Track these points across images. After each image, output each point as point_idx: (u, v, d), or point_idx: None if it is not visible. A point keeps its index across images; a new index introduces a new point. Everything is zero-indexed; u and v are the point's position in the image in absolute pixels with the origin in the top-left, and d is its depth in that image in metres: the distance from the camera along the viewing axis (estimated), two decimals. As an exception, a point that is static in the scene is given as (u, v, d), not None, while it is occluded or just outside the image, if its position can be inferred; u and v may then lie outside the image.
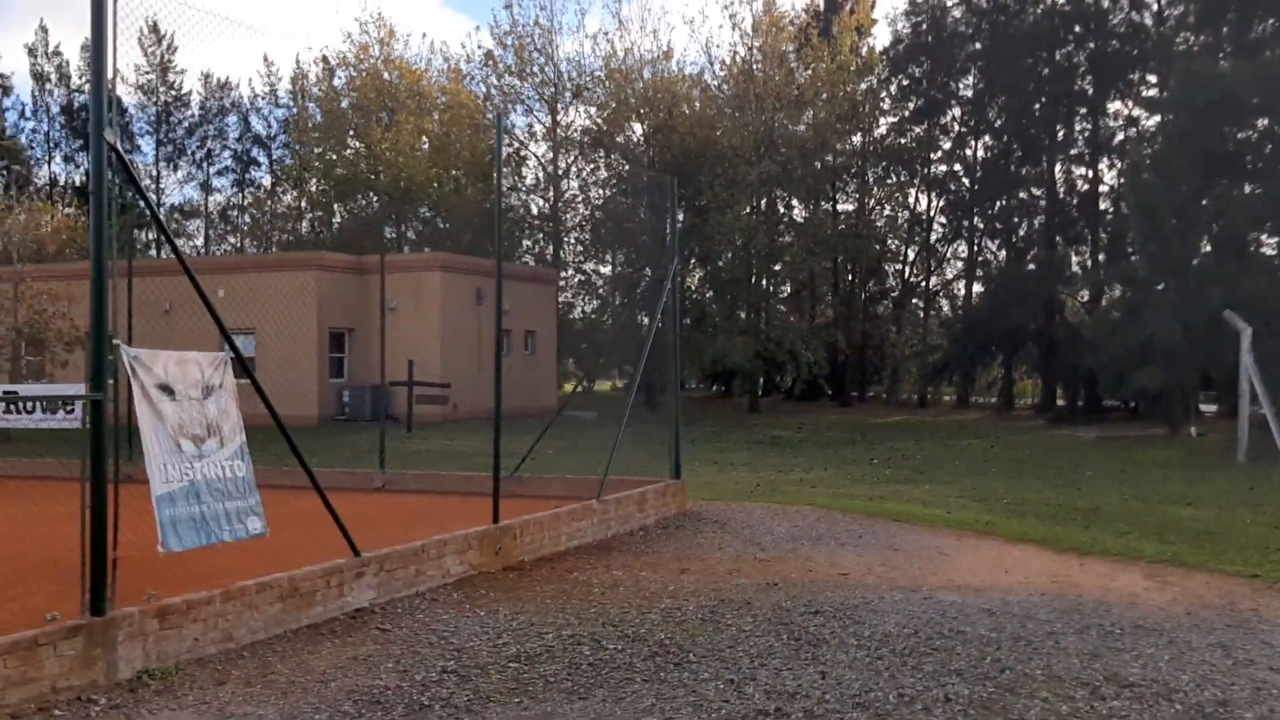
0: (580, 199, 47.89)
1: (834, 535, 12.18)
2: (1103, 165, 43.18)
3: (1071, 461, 22.47)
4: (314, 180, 54.07)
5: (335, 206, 54.48)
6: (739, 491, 16.64)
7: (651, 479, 13.75)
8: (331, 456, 23.04)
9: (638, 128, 48.04)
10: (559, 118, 45.42)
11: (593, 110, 45.79)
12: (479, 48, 60.38)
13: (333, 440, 26.76)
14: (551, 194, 46.32)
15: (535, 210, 47.71)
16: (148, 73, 70.98)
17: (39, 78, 69.82)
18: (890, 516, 13.68)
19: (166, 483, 6.89)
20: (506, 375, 32.03)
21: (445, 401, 29.79)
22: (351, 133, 48.12)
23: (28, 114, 70.88)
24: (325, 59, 50.75)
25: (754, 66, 47.08)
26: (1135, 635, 7.75)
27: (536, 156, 47.23)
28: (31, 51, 69.06)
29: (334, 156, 49.96)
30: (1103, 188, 43.34)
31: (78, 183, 71.78)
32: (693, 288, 58.37)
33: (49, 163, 72.10)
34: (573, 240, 48.30)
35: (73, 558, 6.48)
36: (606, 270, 49.24)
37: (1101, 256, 41.31)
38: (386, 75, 49.56)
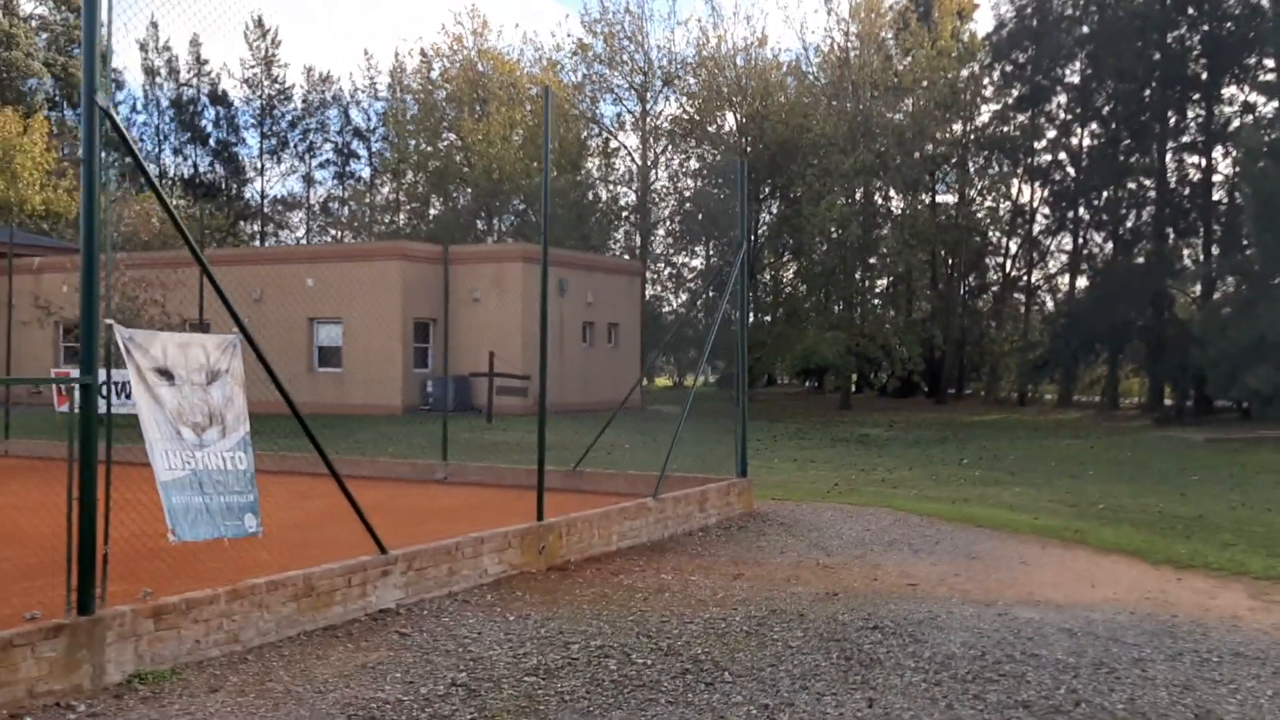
0: (670, 190, 47.28)
1: (908, 541, 11.38)
2: (1216, 153, 41.08)
3: (1176, 465, 21.18)
4: (410, 172, 54.36)
5: (432, 198, 54.71)
6: (814, 491, 15.87)
7: (717, 477, 13.08)
8: (409, 446, 22.82)
9: (730, 117, 47.28)
10: (649, 107, 44.82)
11: (684, 99, 45.15)
12: (569, 36, 60.10)
13: (412, 430, 26.61)
14: (639, 185, 45.74)
15: (624, 202, 47.22)
16: (252, 66, 72.33)
17: (149, 72, 71.47)
18: (972, 521, 12.81)
19: (170, 469, 6.45)
20: (587, 368, 31.66)
21: (525, 393, 29.45)
22: (445, 124, 48.16)
23: (138, 108, 72.67)
24: (422, 51, 50.95)
25: (850, 53, 45.96)
26: (1234, 664, 6.87)
27: (626, 147, 46.75)
28: (143, 46, 70.68)
29: (429, 148, 50.09)
30: (1216, 177, 41.24)
31: (186, 175, 73.58)
32: (785, 281, 57.55)
33: (159, 155, 73.87)
34: (662, 233, 47.73)
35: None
36: (698, 263, 48.59)
37: (1214, 249, 39.29)
38: (480, 67, 49.52)
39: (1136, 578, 9.66)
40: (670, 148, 46.40)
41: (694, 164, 47.51)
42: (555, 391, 32.08)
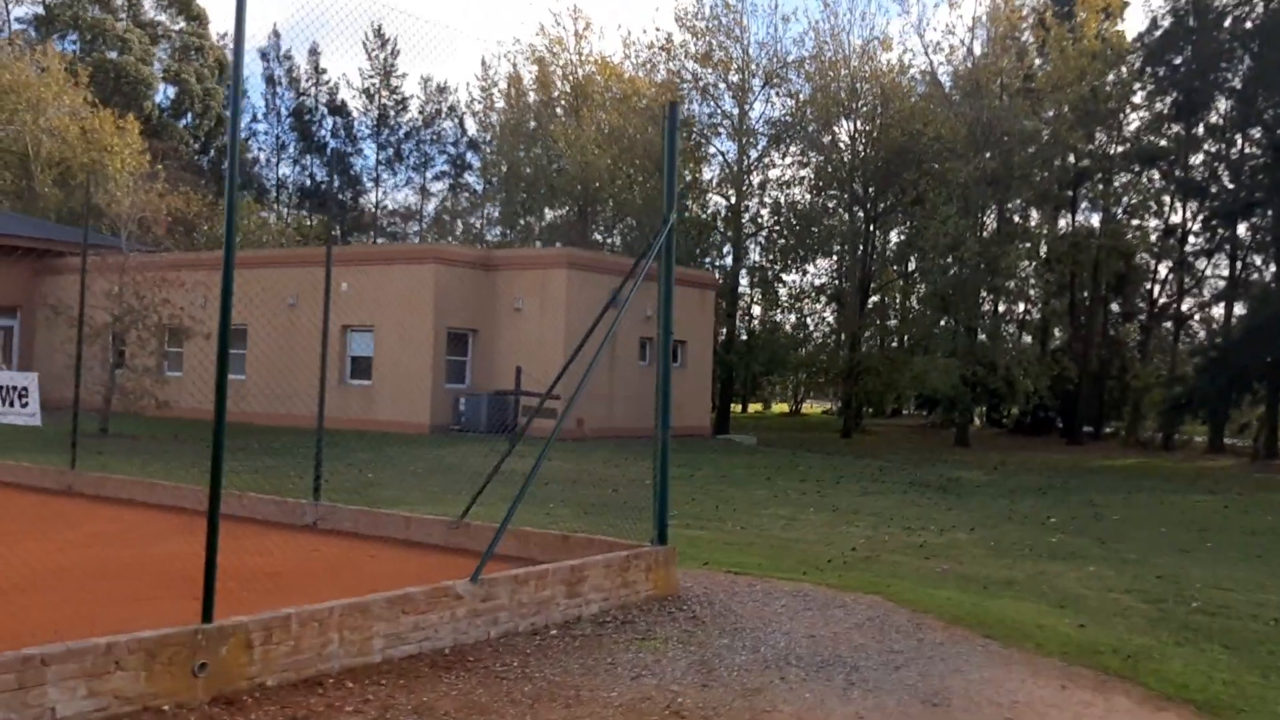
0: (768, 199, 43.49)
1: (857, 660, 7.59)
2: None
3: (1330, 538, 16.53)
4: (512, 181, 51.77)
5: (544, 209, 52.06)
6: (806, 560, 12.09)
7: (630, 543, 9.52)
8: (400, 473, 19.82)
9: (844, 124, 43.32)
10: (746, 108, 41.10)
11: (789, 100, 41.38)
12: (658, 30, 56.77)
13: (425, 452, 23.58)
14: (734, 194, 42.05)
15: (714, 210, 43.56)
16: (370, 76, 71.48)
17: (270, 81, 71.26)
18: (984, 625, 8.89)
19: None
20: (645, 389, 28.12)
21: (553, 414, 26.22)
22: (534, 125, 45.44)
23: (258, 117, 72.54)
24: (523, 55, 48.29)
25: (975, 50, 41.54)
26: None
27: (722, 153, 43.08)
28: (264, 55, 70.53)
29: (523, 154, 47.47)
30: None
31: (305, 185, 73.15)
32: (913, 304, 52.91)
33: (277, 164, 73.64)
34: (761, 242, 43.93)
35: None
36: (794, 278, 44.65)
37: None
38: (582, 70, 46.63)
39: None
40: (770, 150, 42.53)
41: (801, 172, 43.62)
42: (604, 415, 28.72)
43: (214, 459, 6.14)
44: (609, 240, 48.35)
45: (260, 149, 72.05)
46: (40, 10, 58.28)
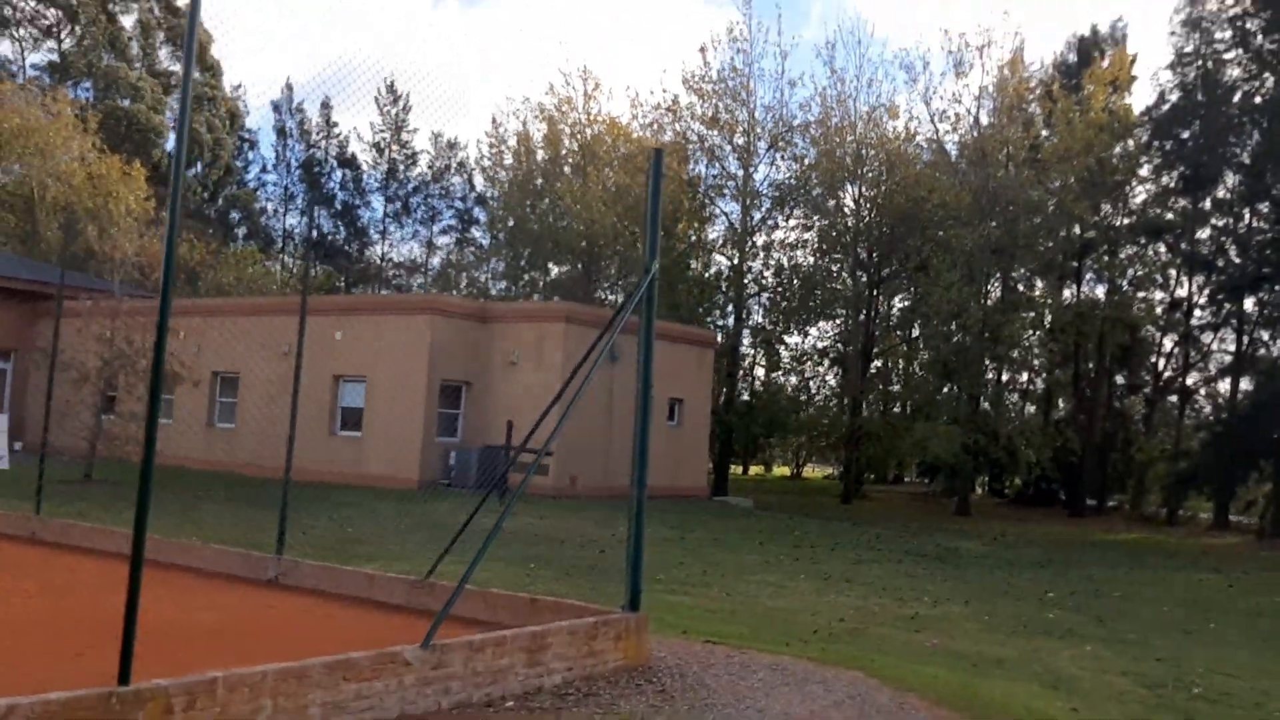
0: (772, 260, 43.28)
1: (831, 743, 7.11)
2: None
3: (1338, 622, 15.96)
4: (517, 236, 51.64)
5: (549, 265, 51.88)
6: (791, 630, 11.59)
7: (602, 609, 9.05)
8: (382, 529, 19.33)
9: (850, 188, 43.21)
10: (751, 170, 41.00)
11: (793, 163, 41.30)
12: (665, 91, 56.87)
13: (412, 507, 23.07)
14: (736, 252, 41.83)
15: (718, 269, 43.32)
16: (381, 130, 71.86)
17: (281, 133, 71.66)
18: (969, 709, 8.39)
19: None
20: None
21: (546, 473, 25.72)
22: (541, 182, 45.40)
23: (268, 168, 72.89)
24: (532, 113, 48.39)
25: (981, 119, 41.53)
26: None
27: (725, 214, 42.93)
28: (276, 107, 71.00)
29: (530, 210, 47.38)
30: None
31: (311, 236, 73.27)
32: (916, 370, 52.48)
33: (285, 215, 73.82)
34: (764, 303, 43.64)
35: None
36: (796, 340, 44.28)
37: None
38: (591, 130, 46.62)
39: None
40: (773, 211, 42.35)
41: (805, 235, 43.44)
42: (601, 473, 28.22)
43: (139, 507, 5.73)
44: (612, 298, 48.10)
45: (269, 199, 72.31)
46: (55, 58, 58.72)
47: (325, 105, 71.93)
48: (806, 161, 41.48)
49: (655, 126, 41.75)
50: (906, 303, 47.32)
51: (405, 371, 26.94)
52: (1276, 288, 37.79)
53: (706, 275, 41.17)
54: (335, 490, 25.36)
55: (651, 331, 9.26)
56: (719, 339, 34.23)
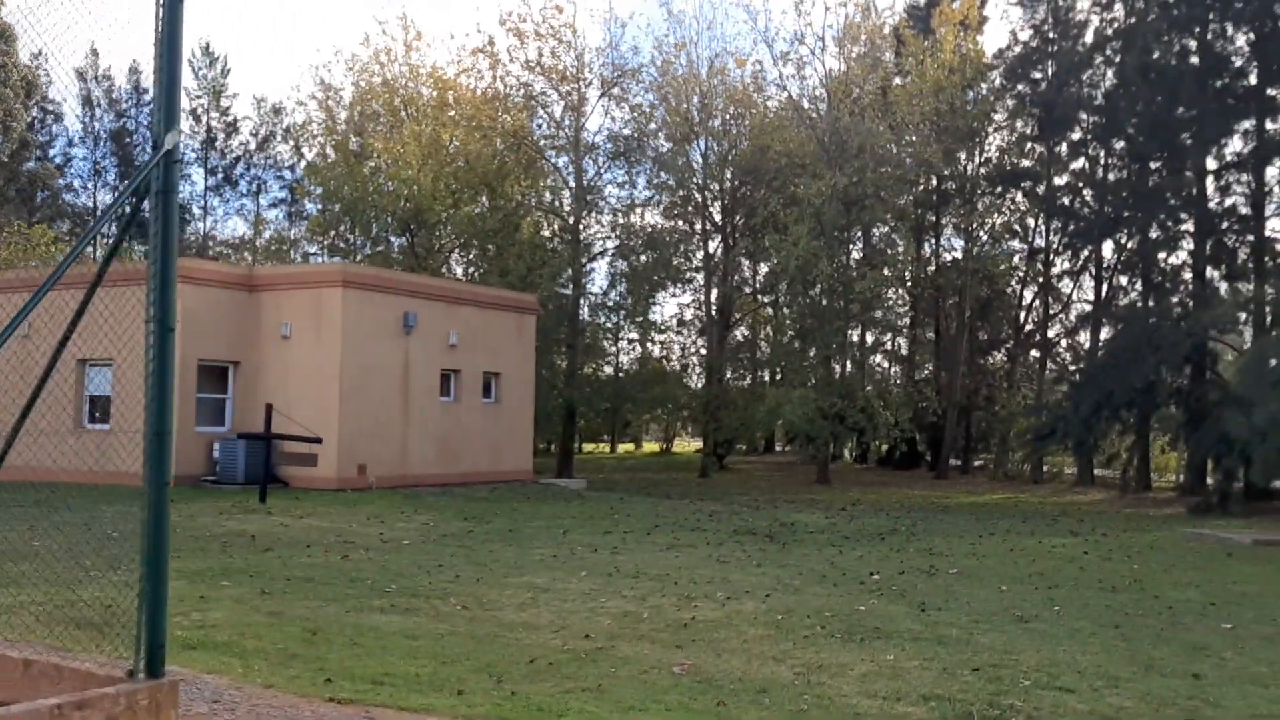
0: (617, 221, 40.26)
1: None
2: (1271, 174, 33.48)
3: (1202, 595, 13.59)
4: (336, 205, 47.58)
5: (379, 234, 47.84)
6: (509, 656, 8.56)
7: (112, 677, 5.86)
8: (96, 536, 15.78)
9: (699, 144, 40.39)
10: (582, 121, 37.74)
11: (629, 113, 38.27)
12: (481, 33, 53.29)
13: (131, 510, 19.44)
14: (572, 213, 38.61)
15: (550, 231, 40.07)
16: (198, 96, 66.68)
17: (88, 102, 66.02)
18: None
19: None
20: (448, 428, 24.38)
21: (314, 462, 22.35)
22: (357, 142, 41.53)
23: (75, 141, 67.13)
24: (345, 67, 44.42)
25: (827, 63, 39.15)
26: None
27: (557, 167, 39.60)
28: (81, 75, 65.31)
29: (344, 172, 43.38)
30: (1271, 205, 33.65)
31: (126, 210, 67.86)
32: (768, 333, 50.17)
33: (95, 189, 68.17)
34: (614, 270, 40.65)
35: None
36: (656, 308, 41.44)
37: (1269, 291, 31.50)
38: (412, 84, 42.78)
39: None
40: (617, 171, 39.30)
41: (649, 192, 40.53)
42: (396, 461, 24.89)
43: None
44: (445, 270, 44.64)
45: (76, 175, 66.55)
46: None
47: (134, 70, 66.41)
48: (644, 111, 38.48)
49: (474, 72, 38.18)
50: (768, 266, 44.95)
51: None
52: (1133, 229, 36.13)
53: (536, 238, 37.82)
54: (74, 491, 21.57)
55: (171, 238, 6.08)
56: (540, 304, 30.95)
